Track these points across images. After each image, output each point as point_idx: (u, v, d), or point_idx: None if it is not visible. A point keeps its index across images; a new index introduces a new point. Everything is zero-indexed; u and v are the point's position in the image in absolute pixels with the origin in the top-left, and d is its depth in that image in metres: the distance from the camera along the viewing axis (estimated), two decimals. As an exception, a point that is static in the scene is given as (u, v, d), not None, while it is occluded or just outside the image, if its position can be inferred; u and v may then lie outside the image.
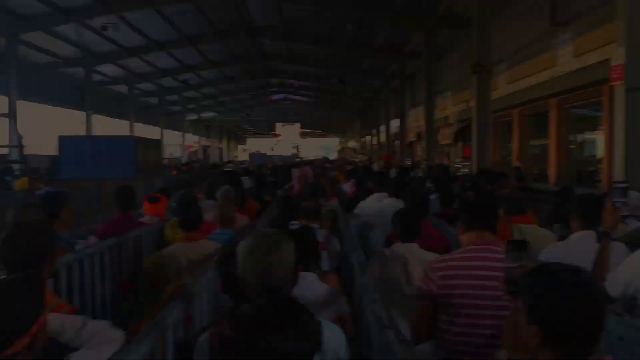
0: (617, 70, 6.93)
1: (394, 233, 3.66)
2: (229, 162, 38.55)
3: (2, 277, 2.28)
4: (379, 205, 5.76)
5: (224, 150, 64.83)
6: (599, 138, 14.19)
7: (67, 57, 23.83)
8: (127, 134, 29.95)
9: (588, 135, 15.64)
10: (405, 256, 3.47)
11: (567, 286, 1.52)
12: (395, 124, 30.55)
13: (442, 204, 6.31)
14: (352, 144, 63.78)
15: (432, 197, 7.83)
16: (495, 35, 14.31)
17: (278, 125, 60.77)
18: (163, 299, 2.95)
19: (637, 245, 2.93)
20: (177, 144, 45.62)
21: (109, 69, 27.09)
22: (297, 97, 47.59)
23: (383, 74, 29.81)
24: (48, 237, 2.48)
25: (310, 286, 2.73)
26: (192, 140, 51.03)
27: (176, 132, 44.74)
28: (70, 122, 27.20)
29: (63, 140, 9.12)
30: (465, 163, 23.44)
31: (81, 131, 26.30)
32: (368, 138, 43.79)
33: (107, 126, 31.08)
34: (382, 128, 33.52)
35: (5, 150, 18.90)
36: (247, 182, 10.32)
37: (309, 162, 22.31)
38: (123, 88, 31.12)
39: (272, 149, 60.20)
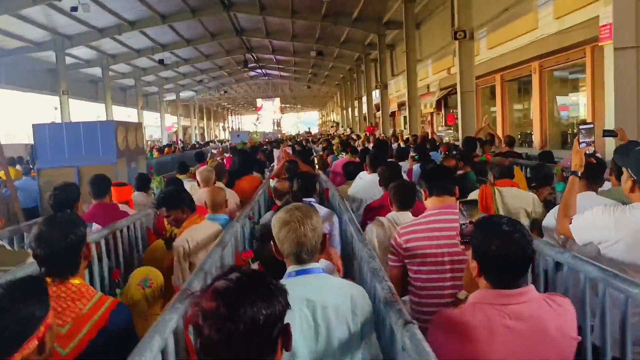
0: (606, 30, 6.78)
1: (390, 202, 3.90)
2: (210, 141, 38.24)
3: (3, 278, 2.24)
4: (361, 182, 5.74)
5: (205, 129, 64.12)
6: (583, 100, 14.17)
7: (37, 40, 23.15)
8: (104, 117, 29.45)
9: (572, 98, 15.61)
10: (398, 223, 3.70)
11: (498, 231, 2.01)
12: (376, 94, 30.36)
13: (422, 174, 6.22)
14: (333, 117, 63.44)
15: (415, 167, 7.73)
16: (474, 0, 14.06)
17: (259, 100, 60.33)
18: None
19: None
20: (156, 125, 44.96)
21: (81, 51, 26.37)
22: (276, 72, 47.04)
23: (362, 44, 29.46)
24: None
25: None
26: (172, 121, 50.33)
27: (155, 113, 44.07)
28: (45, 107, 26.62)
29: (37, 128, 8.78)
30: (448, 131, 23.42)
31: (56, 117, 25.78)
32: (349, 110, 43.51)
33: (83, 110, 30.49)
34: (364, 100, 33.26)
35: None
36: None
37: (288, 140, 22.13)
38: (98, 71, 30.43)
39: (256, 125, 59.98)
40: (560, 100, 15.95)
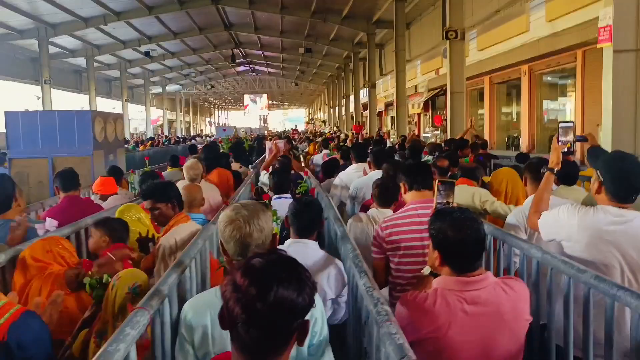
0: (605, 32, 6.59)
1: (372, 199, 4.01)
2: (197, 136, 37.81)
3: None
4: (368, 178, 5.51)
5: (191, 124, 63.59)
6: (572, 104, 14.08)
7: (20, 28, 22.70)
8: (88, 108, 28.97)
9: (561, 101, 15.52)
10: (377, 219, 3.88)
11: (453, 222, 2.19)
12: (363, 93, 30.14)
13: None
14: (319, 115, 63.23)
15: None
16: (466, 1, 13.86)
17: (246, 97, 59.99)
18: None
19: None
20: (141, 118, 44.46)
21: (65, 40, 25.95)
22: (264, 68, 46.65)
23: (351, 42, 29.25)
24: None
25: (312, 253, 3.12)
26: (157, 114, 49.78)
27: (140, 106, 43.53)
28: (28, 97, 26.12)
29: (9, 116, 8.36)
30: (435, 132, 23.30)
31: (38, 106, 25.28)
32: (336, 109, 43.30)
33: (66, 101, 29.98)
34: (351, 98, 33.06)
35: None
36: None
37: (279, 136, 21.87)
38: (82, 61, 29.91)
39: (245, 114, 59.76)
40: (549, 104, 15.87)
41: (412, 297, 2.19)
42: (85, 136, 8.46)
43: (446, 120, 21.41)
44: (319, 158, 9.69)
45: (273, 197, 4.89)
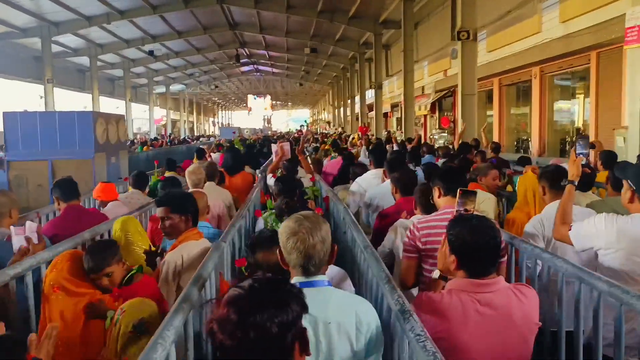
0: (633, 32, 6.27)
1: (414, 205, 3.91)
2: (201, 136, 37.57)
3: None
4: (385, 187, 5.23)
5: (195, 123, 63.38)
6: (585, 107, 13.76)
7: (23, 26, 22.48)
8: (91, 108, 28.77)
9: (574, 105, 15.18)
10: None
11: (471, 228, 2.26)
12: (369, 94, 29.84)
13: (426, 177, 5.95)
14: (324, 115, 62.94)
15: (417, 170, 7.34)
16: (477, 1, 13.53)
17: (250, 97, 59.77)
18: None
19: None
20: (145, 118, 44.28)
21: (68, 39, 25.76)
22: (268, 68, 46.38)
23: (357, 43, 28.96)
24: None
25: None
26: (161, 114, 49.57)
27: (144, 105, 43.34)
28: (30, 96, 25.95)
29: (7, 117, 8.07)
30: (442, 134, 22.99)
31: (41, 106, 25.10)
32: (341, 109, 43.02)
33: (70, 100, 29.80)
34: (357, 99, 32.78)
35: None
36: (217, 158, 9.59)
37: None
38: (85, 60, 29.73)
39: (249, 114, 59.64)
40: (561, 106, 15.55)
41: (426, 297, 2.28)
42: (87, 138, 8.18)
43: (454, 122, 21.14)
44: (333, 165, 9.05)
45: None
